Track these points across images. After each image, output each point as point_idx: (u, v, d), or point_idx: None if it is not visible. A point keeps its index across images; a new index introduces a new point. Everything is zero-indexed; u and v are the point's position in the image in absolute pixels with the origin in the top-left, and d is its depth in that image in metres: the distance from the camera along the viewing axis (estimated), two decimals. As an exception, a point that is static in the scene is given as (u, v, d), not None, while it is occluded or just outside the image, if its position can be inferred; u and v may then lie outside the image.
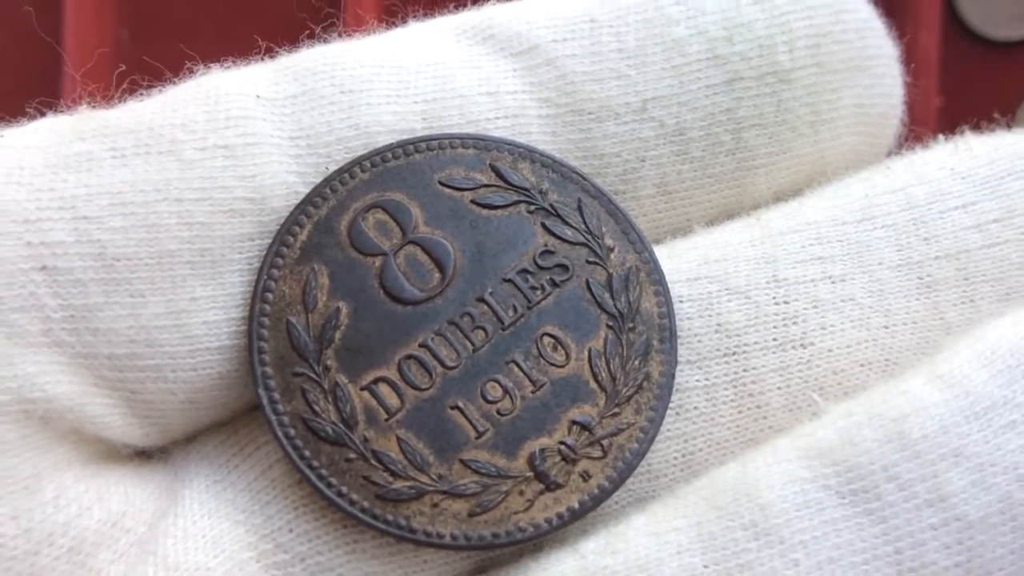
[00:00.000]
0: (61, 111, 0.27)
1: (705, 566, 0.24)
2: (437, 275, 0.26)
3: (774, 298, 0.28)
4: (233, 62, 0.28)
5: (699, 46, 0.28)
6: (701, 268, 0.28)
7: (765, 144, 0.29)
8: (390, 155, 0.27)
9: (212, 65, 0.27)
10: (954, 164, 0.29)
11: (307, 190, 0.26)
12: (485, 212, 0.27)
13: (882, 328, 0.28)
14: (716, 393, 0.27)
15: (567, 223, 0.27)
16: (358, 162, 0.26)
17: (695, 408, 0.27)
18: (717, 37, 0.28)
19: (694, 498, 0.26)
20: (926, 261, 0.28)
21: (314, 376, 0.26)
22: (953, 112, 0.43)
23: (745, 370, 0.27)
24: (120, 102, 0.27)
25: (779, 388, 0.27)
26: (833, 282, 0.28)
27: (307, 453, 0.25)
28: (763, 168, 0.29)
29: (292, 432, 0.25)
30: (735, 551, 0.24)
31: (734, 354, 0.27)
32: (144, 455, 0.27)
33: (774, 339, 0.28)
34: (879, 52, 0.30)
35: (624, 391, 0.26)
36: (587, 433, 0.26)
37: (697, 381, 0.27)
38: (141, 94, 0.27)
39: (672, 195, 0.29)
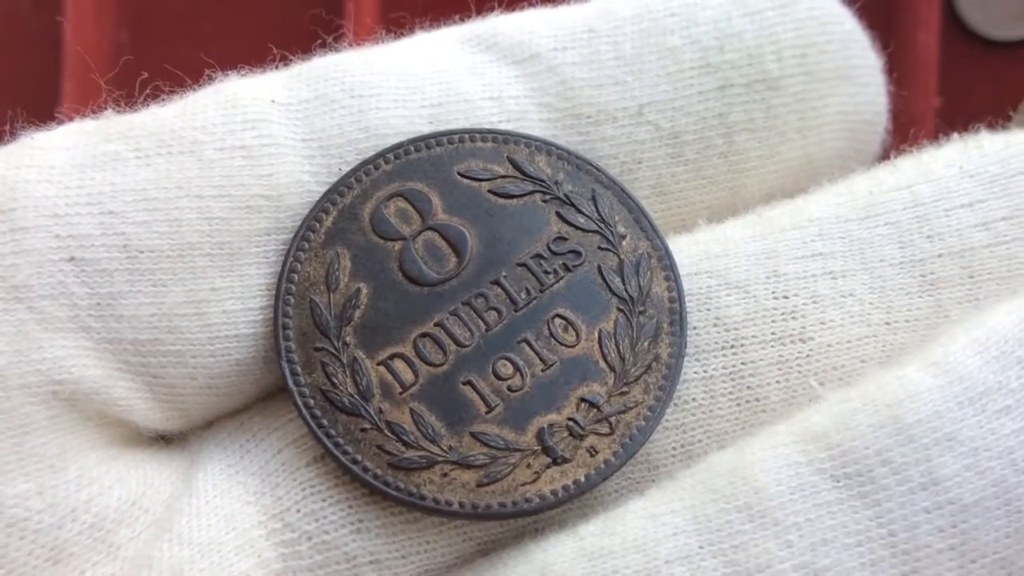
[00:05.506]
0: (87, 116, 0.28)
1: (700, 547, 0.25)
2: (454, 259, 0.27)
3: (773, 292, 0.28)
4: (237, 64, 0.29)
5: (692, 55, 0.29)
6: (701, 263, 0.29)
7: (755, 148, 0.30)
8: (412, 148, 0.28)
9: (228, 71, 0.29)
10: (963, 162, 0.29)
11: (320, 188, 0.27)
12: (501, 201, 0.28)
13: (883, 324, 0.28)
14: (714, 385, 0.28)
15: (581, 211, 0.28)
16: (382, 155, 0.28)
17: (693, 399, 0.28)
18: (709, 46, 0.29)
19: (690, 482, 0.26)
20: (929, 259, 0.28)
21: (333, 351, 0.27)
22: (952, 112, 0.43)
23: (743, 363, 0.28)
24: (139, 104, 0.29)
25: (778, 382, 0.28)
26: (833, 278, 0.28)
27: (325, 422, 0.26)
28: (754, 171, 0.30)
29: (311, 403, 0.26)
30: (729, 533, 0.25)
31: (732, 347, 0.28)
32: (163, 440, 0.29)
33: (772, 333, 0.28)
34: (863, 63, 0.31)
35: (633, 371, 0.27)
36: (595, 410, 0.27)
37: (695, 373, 0.28)
38: (162, 99, 0.28)
39: (667, 195, 0.30)
